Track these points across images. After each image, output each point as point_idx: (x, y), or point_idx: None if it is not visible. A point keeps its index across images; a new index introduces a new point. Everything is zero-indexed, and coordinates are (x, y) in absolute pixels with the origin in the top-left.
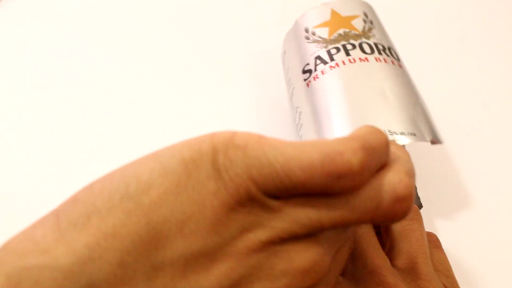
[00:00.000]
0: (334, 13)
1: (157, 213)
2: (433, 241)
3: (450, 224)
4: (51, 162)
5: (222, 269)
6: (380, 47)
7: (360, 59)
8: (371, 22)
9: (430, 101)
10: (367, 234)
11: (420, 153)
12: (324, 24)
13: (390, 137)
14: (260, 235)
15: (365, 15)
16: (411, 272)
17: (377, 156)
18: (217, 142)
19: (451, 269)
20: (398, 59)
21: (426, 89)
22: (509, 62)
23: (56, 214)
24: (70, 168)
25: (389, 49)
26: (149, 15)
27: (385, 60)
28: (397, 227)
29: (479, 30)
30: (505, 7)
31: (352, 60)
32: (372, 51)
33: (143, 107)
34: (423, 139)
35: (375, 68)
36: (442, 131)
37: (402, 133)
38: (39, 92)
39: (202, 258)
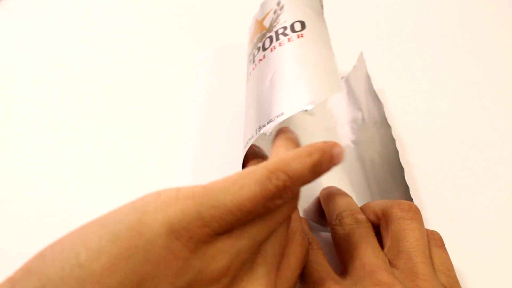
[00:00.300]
0: (256, 22)
1: (110, 279)
2: (435, 240)
3: (443, 223)
4: (55, 161)
5: None
6: (280, 31)
7: (259, 60)
8: (281, 8)
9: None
10: (366, 235)
11: (410, 153)
12: (250, 39)
13: (257, 134)
14: (215, 273)
15: (278, 4)
16: (410, 271)
17: (300, 177)
18: (165, 198)
19: (452, 269)
20: (303, 27)
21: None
22: (477, 60)
23: (13, 285)
24: (71, 168)
25: (292, 25)
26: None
27: (280, 44)
28: (396, 227)
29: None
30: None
31: (254, 67)
32: (271, 42)
33: (132, 105)
34: (295, 110)
35: (269, 61)
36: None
37: (269, 121)
38: (39, 91)
39: None
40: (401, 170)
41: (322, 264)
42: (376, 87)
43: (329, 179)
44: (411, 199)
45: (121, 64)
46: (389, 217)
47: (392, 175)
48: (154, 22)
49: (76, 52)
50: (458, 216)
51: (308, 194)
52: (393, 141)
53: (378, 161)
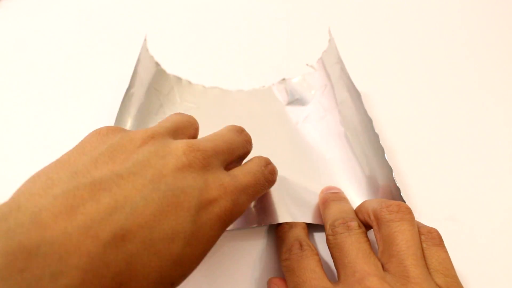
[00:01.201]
0: None
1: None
2: (433, 239)
3: (442, 223)
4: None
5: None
6: None
7: None
8: None
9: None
10: (357, 242)
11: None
12: None
13: None
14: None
15: None
16: (401, 275)
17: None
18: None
19: (452, 268)
20: None
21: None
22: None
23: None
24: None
25: None
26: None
27: None
28: (386, 230)
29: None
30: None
31: None
32: None
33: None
34: None
35: None
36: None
37: None
38: (38, 91)
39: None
40: (380, 148)
41: (315, 271)
42: (361, 89)
43: (326, 171)
44: (404, 202)
45: (121, 64)
46: (379, 220)
47: (371, 145)
48: (154, 22)
49: (75, 52)
50: (458, 215)
51: (309, 196)
52: (368, 118)
53: (360, 134)
